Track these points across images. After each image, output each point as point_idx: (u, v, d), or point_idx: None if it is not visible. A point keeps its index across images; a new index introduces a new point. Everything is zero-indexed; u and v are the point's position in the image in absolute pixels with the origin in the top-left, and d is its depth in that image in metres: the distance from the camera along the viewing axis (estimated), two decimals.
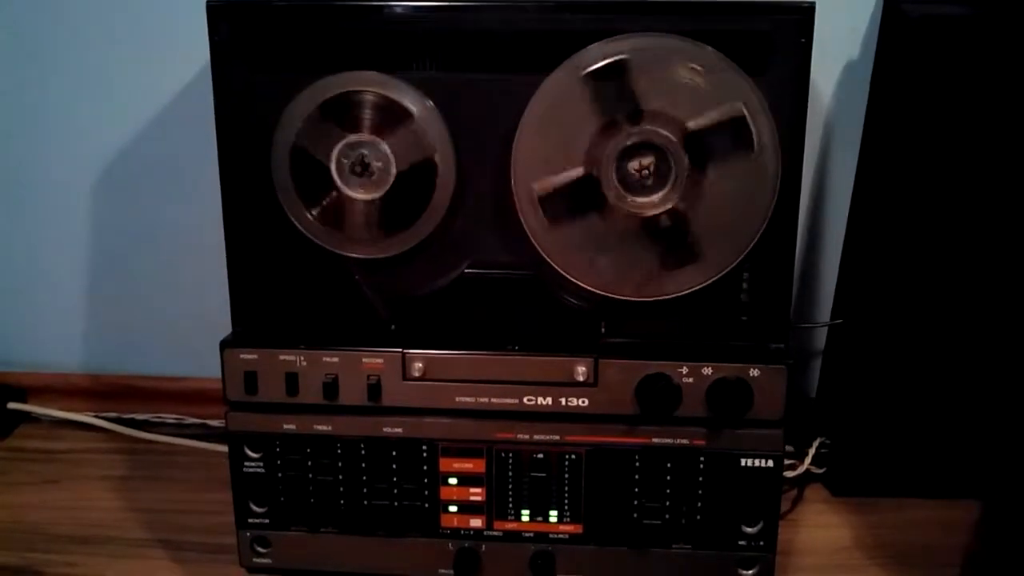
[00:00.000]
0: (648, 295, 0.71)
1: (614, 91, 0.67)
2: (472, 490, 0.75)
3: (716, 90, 0.67)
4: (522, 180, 0.70)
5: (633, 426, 0.72)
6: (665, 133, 0.67)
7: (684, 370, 0.71)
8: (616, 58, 0.67)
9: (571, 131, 0.69)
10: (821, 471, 0.95)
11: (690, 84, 0.67)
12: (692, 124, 0.67)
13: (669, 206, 0.69)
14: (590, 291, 0.71)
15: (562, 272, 0.71)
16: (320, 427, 0.74)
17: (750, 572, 0.74)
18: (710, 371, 0.70)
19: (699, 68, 0.67)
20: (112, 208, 1.03)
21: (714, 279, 0.70)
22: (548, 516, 0.75)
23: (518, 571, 0.76)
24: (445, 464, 0.74)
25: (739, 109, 0.67)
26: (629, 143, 0.68)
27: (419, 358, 0.72)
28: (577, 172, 0.69)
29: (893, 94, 0.82)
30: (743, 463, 0.72)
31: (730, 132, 0.68)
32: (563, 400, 0.72)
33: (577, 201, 0.69)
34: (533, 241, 0.70)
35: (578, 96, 0.68)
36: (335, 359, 0.73)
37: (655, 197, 0.69)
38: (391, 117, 0.70)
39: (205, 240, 0.89)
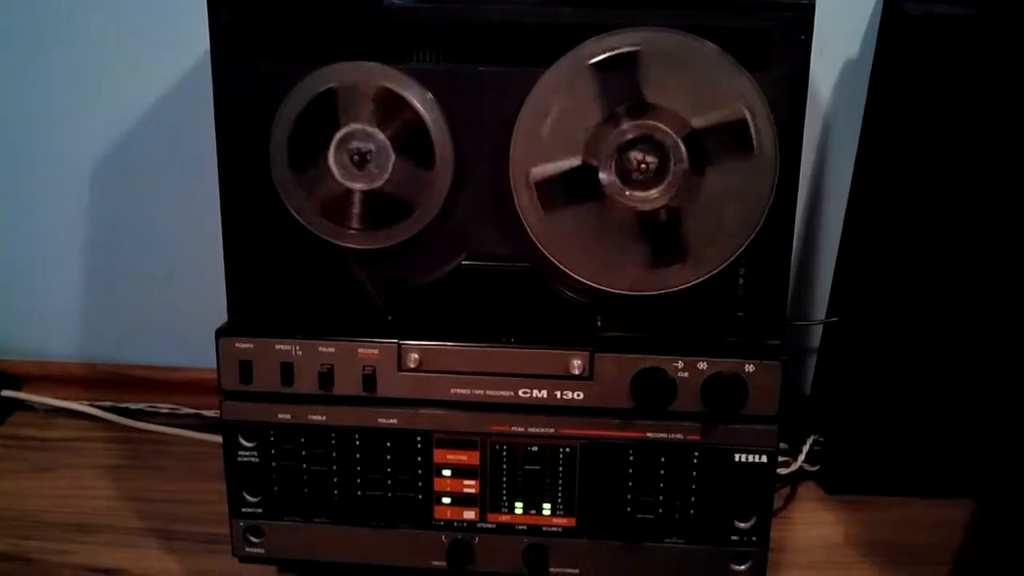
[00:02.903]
0: (642, 289, 0.71)
1: (620, 83, 0.67)
2: (466, 482, 0.75)
3: (721, 91, 0.67)
4: (520, 165, 0.69)
5: (628, 420, 0.72)
6: (666, 129, 0.67)
7: (679, 365, 0.71)
8: (626, 49, 0.67)
9: (573, 120, 0.69)
10: (814, 469, 0.96)
11: (695, 82, 0.67)
12: (695, 122, 0.67)
13: (665, 202, 0.69)
14: (586, 284, 0.72)
15: (554, 260, 0.71)
16: (315, 417, 0.74)
17: (742, 567, 0.74)
18: (705, 366, 0.70)
19: (706, 67, 0.67)
20: (108, 197, 1.03)
21: (703, 279, 0.71)
22: (541, 509, 0.75)
23: (511, 563, 0.76)
24: (439, 456, 0.74)
25: (742, 112, 0.67)
26: (630, 136, 0.68)
27: (415, 349, 0.72)
28: (575, 161, 0.69)
29: (892, 93, 0.82)
30: (737, 458, 0.72)
31: (731, 134, 0.68)
32: (558, 393, 0.72)
33: (574, 190, 0.69)
34: (526, 226, 0.70)
35: (583, 85, 0.68)
36: (331, 349, 0.72)
37: (651, 192, 0.69)
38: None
39: (202, 229, 0.89)
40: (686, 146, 0.68)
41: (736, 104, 0.67)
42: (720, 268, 0.70)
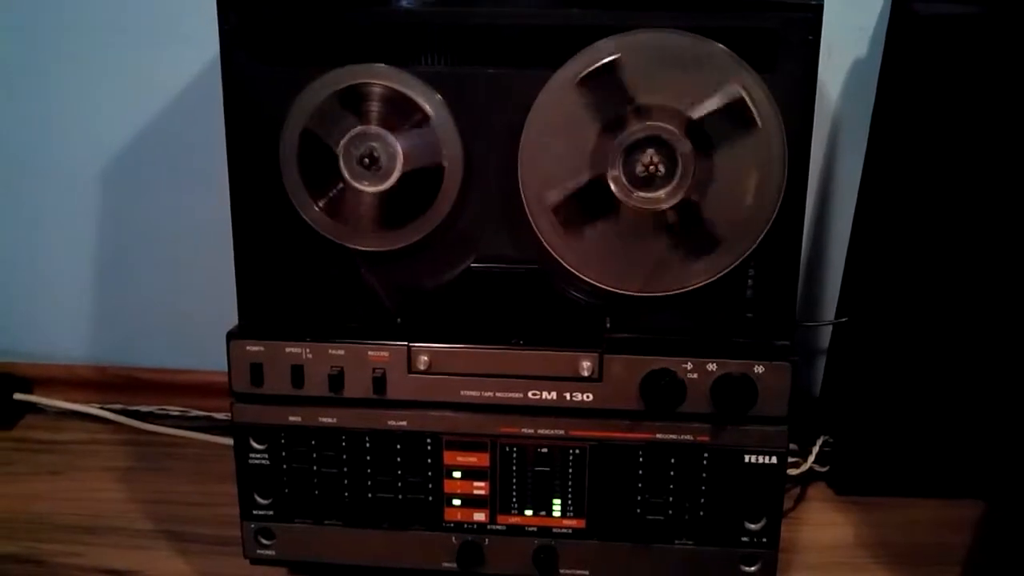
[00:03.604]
0: (651, 291, 0.71)
1: (609, 93, 0.67)
2: (476, 484, 0.75)
3: (711, 78, 0.67)
4: (532, 192, 0.70)
5: (637, 421, 0.72)
6: (666, 126, 0.68)
7: (689, 366, 0.71)
8: (605, 60, 0.67)
9: (574, 138, 0.69)
10: (824, 469, 0.95)
11: (684, 76, 0.67)
12: (693, 113, 0.67)
13: (679, 198, 0.69)
14: (595, 286, 0.72)
15: (588, 279, 0.71)
16: (325, 419, 0.74)
17: (752, 568, 0.74)
18: (715, 367, 0.70)
19: (692, 59, 0.67)
20: (118, 200, 1.03)
21: (733, 266, 0.70)
22: (551, 511, 0.75)
23: (521, 565, 0.76)
24: (449, 457, 0.74)
25: (737, 92, 0.67)
26: (632, 140, 0.68)
27: (424, 351, 0.72)
28: (585, 178, 0.69)
29: (901, 93, 0.82)
30: (747, 459, 0.72)
31: (731, 115, 0.67)
32: (567, 395, 0.72)
33: (590, 205, 0.70)
34: (550, 250, 0.71)
35: (574, 103, 0.68)
36: (341, 352, 0.73)
37: (664, 191, 0.69)
38: (399, 110, 0.70)
39: (212, 232, 0.89)
40: (689, 138, 0.68)
41: (730, 87, 0.67)
42: (752, 250, 0.70)
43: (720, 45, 0.67)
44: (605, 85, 0.68)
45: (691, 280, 0.71)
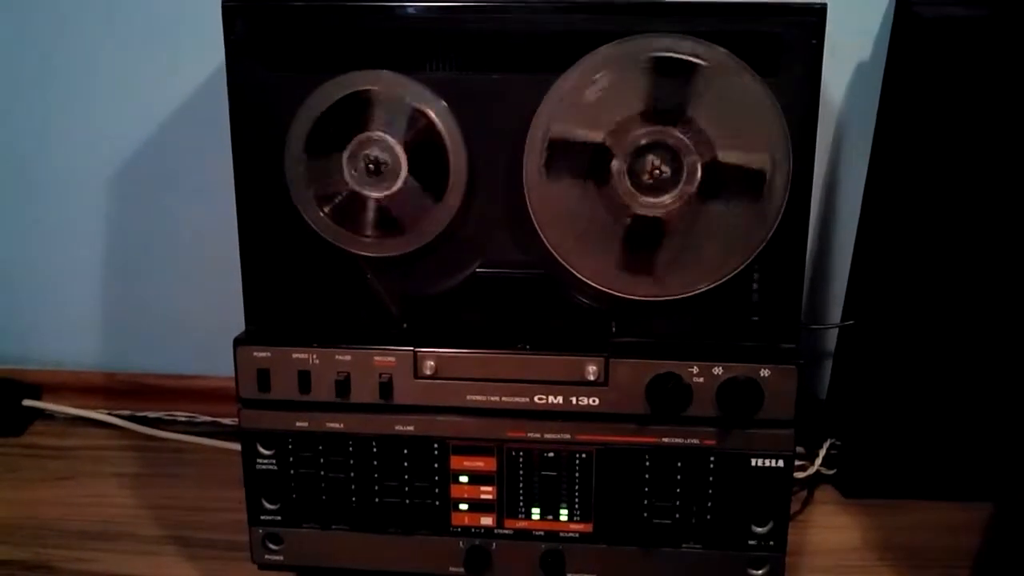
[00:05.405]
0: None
1: (672, 87, 0.68)
2: (483, 488, 0.75)
3: (756, 135, 0.68)
4: (543, 120, 0.69)
5: (643, 425, 0.72)
6: (692, 148, 0.68)
7: (694, 370, 0.71)
8: (690, 58, 0.67)
9: (612, 100, 0.68)
10: (831, 472, 0.95)
11: (737, 117, 0.68)
12: (720, 154, 0.68)
13: (661, 213, 0.69)
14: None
15: (536, 226, 0.71)
16: (332, 425, 0.74)
17: (760, 572, 0.74)
18: (720, 371, 0.70)
19: (754, 108, 0.68)
20: (126, 206, 1.04)
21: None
22: (558, 515, 0.75)
23: (528, 569, 0.76)
24: (456, 462, 0.74)
25: (765, 164, 0.68)
26: (656, 140, 0.68)
27: (431, 357, 0.72)
28: (597, 137, 0.69)
29: (905, 95, 0.82)
30: (753, 463, 0.72)
31: (747, 179, 0.68)
32: (574, 399, 0.72)
33: (582, 164, 0.69)
34: (524, 186, 0.70)
35: (637, 73, 0.68)
36: (347, 357, 0.73)
37: (655, 199, 0.69)
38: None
39: (219, 238, 0.90)
40: (703, 172, 0.68)
41: (763, 155, 0.68)
42: (691, 294, 0.71)
43: (783, 117, 0.68)
44: (674, 78, 0.67)
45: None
